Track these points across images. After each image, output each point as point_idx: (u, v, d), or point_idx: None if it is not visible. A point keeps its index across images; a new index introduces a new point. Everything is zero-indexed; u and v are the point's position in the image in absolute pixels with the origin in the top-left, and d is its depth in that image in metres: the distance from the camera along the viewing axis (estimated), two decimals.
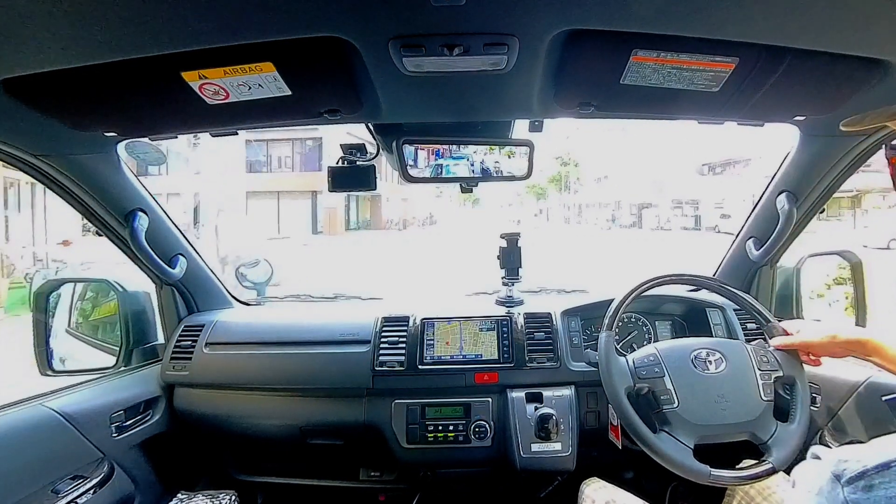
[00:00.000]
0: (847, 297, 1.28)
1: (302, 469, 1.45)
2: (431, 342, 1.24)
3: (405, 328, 1.26)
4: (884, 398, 0.94)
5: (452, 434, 1.17)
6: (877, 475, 0.36)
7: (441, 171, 1.04)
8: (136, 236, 1.11)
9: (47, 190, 1.03)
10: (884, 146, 0.63)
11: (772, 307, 1.30)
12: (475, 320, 1.28)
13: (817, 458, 0.40)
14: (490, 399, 1.19)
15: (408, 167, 1.01)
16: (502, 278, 1.36)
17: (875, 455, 0.37)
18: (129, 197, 1.11)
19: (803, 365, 0.93)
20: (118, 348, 1.29)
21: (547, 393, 1.17)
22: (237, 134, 0.94)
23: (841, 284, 1.29)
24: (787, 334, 0.95)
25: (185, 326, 1.33)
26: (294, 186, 19.84)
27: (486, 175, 1.06)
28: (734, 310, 1.28)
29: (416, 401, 1.19)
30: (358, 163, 1.07)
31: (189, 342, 1.29)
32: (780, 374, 0.92)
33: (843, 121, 0.65)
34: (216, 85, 0.67)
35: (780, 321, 0.98)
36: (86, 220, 1.12)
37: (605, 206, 35.38)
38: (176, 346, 1.29)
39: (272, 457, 1.46)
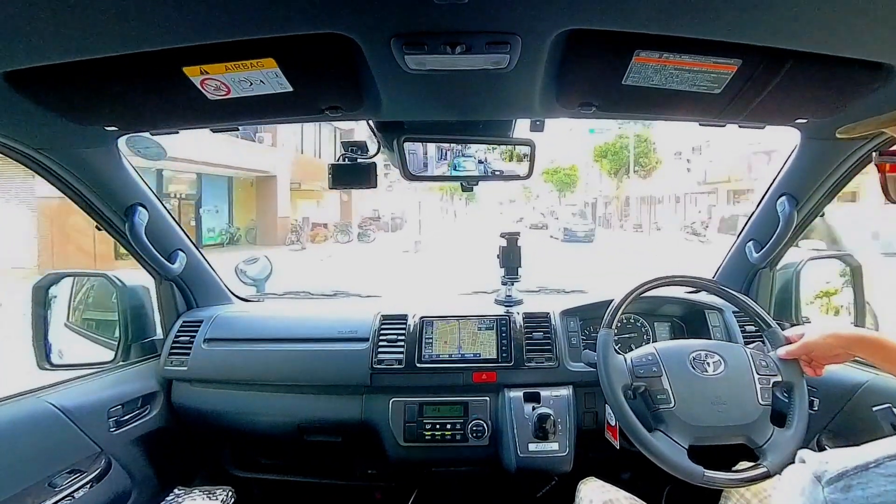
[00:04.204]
0: (829, 301, 1.29)
1: (299, 466, 1.45)
2: (430, 341, 1.24)
3: (404, 326, 1.26)
4: (874, 408, 0.92)
5: (450, 433, 1.17)
6: (855, 476, 0.37)
7: (456, 168, 1.05)
8: (135, 231, 1.11)
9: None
10: (874, 154, 0.63)
11: (771, 310, 1.30)
12: (474, 319, 1.27)
13: (803, 462, 0.41)
14: (488, 398, 1.19)
15: (408, 165, 1.01)
16: (501, 278, 1.36)
17: (856, 458, 0.38)
18: (129, 191, 1.11)
19: (803, 372, 0.92)
20: (116, 343, 1.29)
21: (545, 393, 1.17)
22: (238, 130, 0.94)
23: (820, 298, 1.30)
24: (790, 343, 0.91)
25: (183, 322, 1.32)
26: None
27: (486, 174, 1.07)
28: (733, 312, 1.28)
29: (413, 399, 1.19)
30: (359, 160, 1.07)
31: (187, 338, 1.29)
32: (779, 379, 0.91)
33: (839, 129, 0.66)
34: (217, 80, 0.67)
35: (780, 326, 0.97)
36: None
37: (677, 199, 22.26)
38: (174, 342, 1.28)
39: (269, 453, 1.46)
